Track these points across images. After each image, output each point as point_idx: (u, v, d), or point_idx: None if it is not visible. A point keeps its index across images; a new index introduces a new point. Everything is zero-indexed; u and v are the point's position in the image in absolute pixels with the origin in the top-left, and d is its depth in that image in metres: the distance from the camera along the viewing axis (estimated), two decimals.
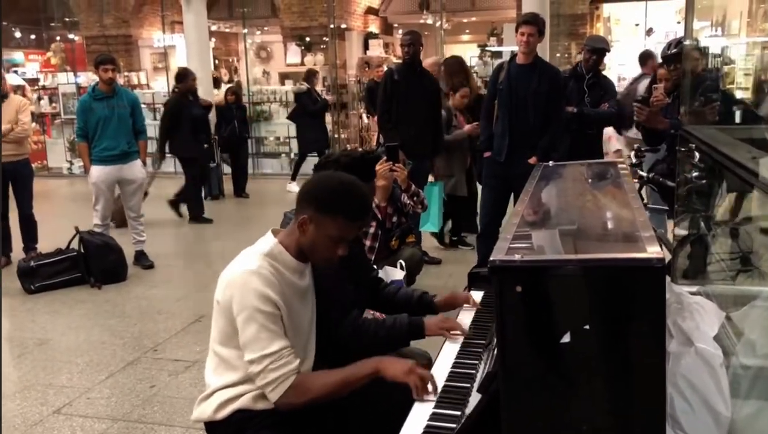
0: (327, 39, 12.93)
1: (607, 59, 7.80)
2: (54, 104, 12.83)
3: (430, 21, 14.31)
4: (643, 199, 4.91)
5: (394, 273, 4.45)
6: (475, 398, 1.81)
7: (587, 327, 1.38)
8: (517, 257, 1.41)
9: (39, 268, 5.52)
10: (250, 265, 1.91)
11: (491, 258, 1.42)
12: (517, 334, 1.43)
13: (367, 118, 10.09)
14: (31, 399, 3.66)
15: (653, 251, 1.37)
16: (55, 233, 6.19)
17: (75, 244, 5.69)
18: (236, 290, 1.88)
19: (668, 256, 4.50)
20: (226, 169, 10.08)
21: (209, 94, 10.16)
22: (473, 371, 1.99)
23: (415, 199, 4.53)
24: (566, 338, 1.39)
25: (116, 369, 4.01)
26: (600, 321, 1.38)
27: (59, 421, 3.41)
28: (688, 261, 4.27)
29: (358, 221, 1.98)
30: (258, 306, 1.85)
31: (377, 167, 4.25)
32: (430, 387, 1.90)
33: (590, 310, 1.39)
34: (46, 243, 6.13)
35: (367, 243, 4.56)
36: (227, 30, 16.78)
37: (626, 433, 1.41)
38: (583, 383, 1.41)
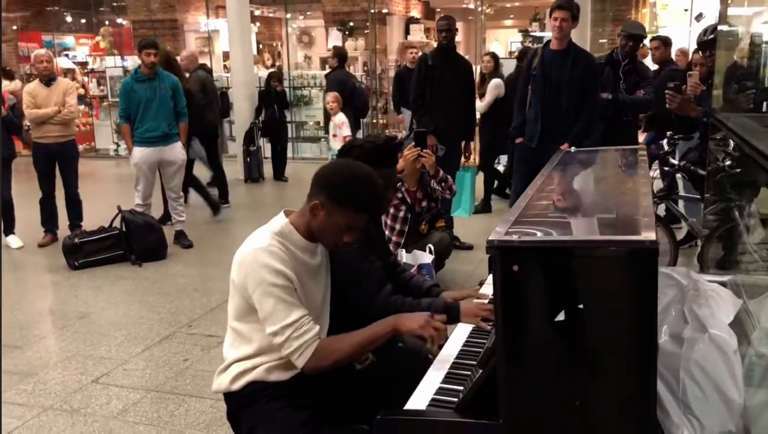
0: (368, 24, 12.97)
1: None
2: (102, 87, 13.16)
3: (471, 6, 14.20)
4: (676, 188, 4.89)
5: (423, 257, 4.51)
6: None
7: (581, 306, 1.43)
8: (514, 238, 1.46)
9: (83, 245, 5.74)
10: (260, 243, 1.99)
11: (490, 238, 1.47)
12: (514, 312, 1.48)
13: (394, 109, 9.76)
14: (72, 368, 3.84)
15: (647, 234, 1.40)
16: (100, 212, 6.40)
17: (117, 223, 5.89)
18: (248, 268, 1.97)
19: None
20: (266, 152, 10.23)
21: (251, 77, 10.30)
22: (481, 350, 2.05)
23: (443, 184, 4.58)
24: (561, 316, 1.44)
25: (152, 342, 4.17)
26: (594, 301, 1.43)
27: (97, 390, 3.58)
28: (721, 251, 4.23)
29: (369, 213, 2.04)
30: (272, 280, 1.93)
31: (405, 152, 4.31)
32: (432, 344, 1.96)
33: (584, 290, 1.43)
34: (90, 221, 6.36)
35: (397, 226, 4.64)
36: (271, 15, 16.95)
37: (617, 409, 1.46)
38: (576, 360, 1.46)
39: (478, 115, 7.59)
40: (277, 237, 2.01)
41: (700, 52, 5.35)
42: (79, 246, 5.72)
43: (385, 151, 2.58)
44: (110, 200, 6.23)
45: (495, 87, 7.34)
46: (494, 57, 7.89)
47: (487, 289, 2.58)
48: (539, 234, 1.56)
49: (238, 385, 2.06)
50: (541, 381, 1.49)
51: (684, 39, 11.88)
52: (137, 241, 5.84)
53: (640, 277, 1.38)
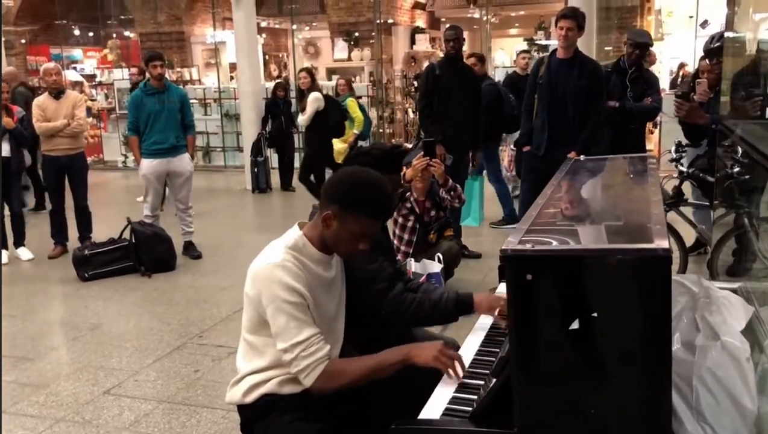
0: (374, 34, 13.03)
1: (658, 53, 7.67)
2: (110, 99, 13.24)
3: (477, 15, 14.25)
4: (683, 195, 4.88)
5: (432, 266, 4.52)
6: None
7: (595, 314, 1.43)
8: (528, 246, 1.47)
9: (93, 257, 5.77)
10: (275, 258, 1.99)
11: (503, 247, 1.48)
12: (528, 321, 1.49)
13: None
14: (83, 379, 3.86)
15: (660, 242, 1.41)
16: (109, 223, 6.45)
17: (127, 234, 5.92)
18: (263, 283, 1.98)
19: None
20: (273, 163, 10.26)
21: (259, 89, 10.36)
22: (494, 359, 2.05)
23: (452, 193, 4.59)
24: (575, 325, 1.44)
25: (163, 353, 4.18)
26: (607, 310, 1.43)
27: (108, 401, 3.59)
28: (732, 258, 4.21)
29: (381, 219, 2.05)
30: (285, 297, 1.94)
31: (414, 162, 4.33)
32: (459, 369, 1.96)
33: (598, 299, 1.44)
34: (100, 233, 6.39)
35: (406, 236, 4.65)
36: (276, 26, 17.06)
37: (633, 418, 1.46)
38: (590, 369, 1.47)
39: (302, 129, 7.94)
40: (292, 252, 2.02)
41: (707, 60, 5.37)
42: (89, 258, 5.75)
43: (390, 158, 2.61)
44: (119, 211, 6.27)
45: (314, 100, 7.48)
46: (309, 72, 8.36)
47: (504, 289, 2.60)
48: (553, 243, 1.57)
49: (251, 398, 2.07)
50: (555, 390, 1.49)
51: (689, 46, 11.88)
52: (146, 252, 5.87)
53: (654, 285, 1.39)
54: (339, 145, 8.42)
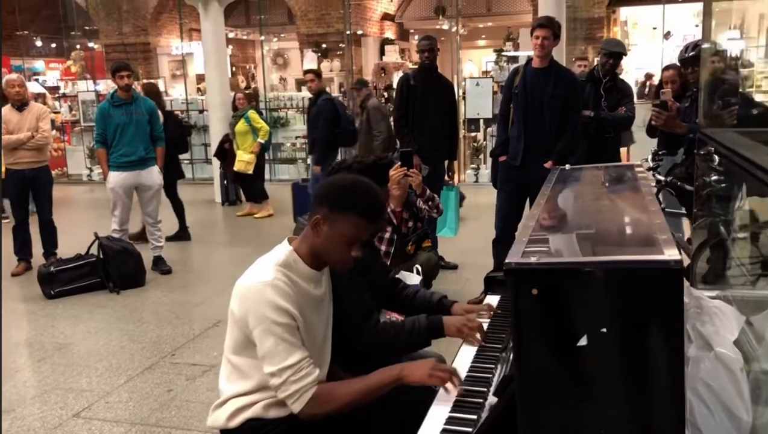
0: (343, 45, 12.98)
1: (625, 63, 7.77)
2: (74, 111, 12.98)
3: (446, 26, 14.32)
4: (660, 203, 4.90)
5: (411, 278, 4.44)
6: (491, 402, 1.81)
7: (604, 330, 1.37)
8: (533, 259, 1.41)
9: (59, 274, 5.59)
10: (264, 277, 1.89)
11: (507, 261, 1.41)
12: (533, 338, 1.42)
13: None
14: (51, 402, 3.69)
15: (671, 253, 1.36)
16: (75, 239, 6.25)
17: (94, 250, 5.74)
18: (251, 303, 1.87)
19: (686, 260, 4.45)
20: None
21: (227, 99, 10.23)
22: (489, 375, 1.98)
23: (430, 203, 4.53)
24: (583, 341, 1.38)
25: (135, 373, 4.04)
26: (617, 325, 1.37)
27: (78, 425, 3.44)
28: (708, 266, 4.23)
29: (373, 220, 1.95)
30: (274, 318, 1.84)
31: (391, 172, 4.25)
32: (452, 387, 1.89)
33: (607, 313, 1.38)
34: (66, 248, 6.20)
35: (383, 248, 4.56)
36: (244, 37, 16.94)
37: None
38: (601, 387, 1.40)
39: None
40: (282, 270, 1.92)
41: (671, 69, 5.43)
42: (54, 275, 5.57)
43: (374, 171, 2.53)
44: (85, 226, 6.10)
45: None
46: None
47: (492, 301, 2.56)
48: (558, 255, 1.51)
49: (235, 422, 1.97)
50: (563, 409, 1.42)
51: (656, 56, 12.09)
52: (115, 268, 5.71)
53: (666, 298, 1.33)
54: (245, 156, 8.43)
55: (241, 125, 8.47)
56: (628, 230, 1.74)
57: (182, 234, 7.44)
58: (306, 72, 8.17)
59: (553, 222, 1.83)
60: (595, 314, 1.38)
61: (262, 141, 8.44)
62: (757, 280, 3.79)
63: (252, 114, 8.50)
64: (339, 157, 7.94)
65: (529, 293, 1.38)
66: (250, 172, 8.47)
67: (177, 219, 7.43)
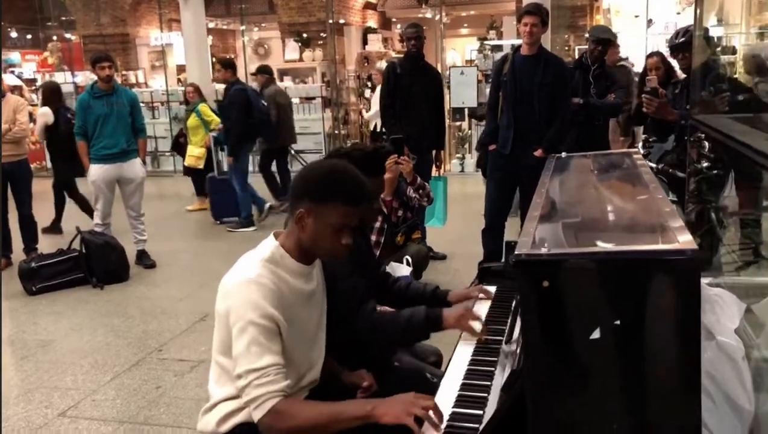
0: (325, 34, 12.85)
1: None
2: None
3: (429, 15, 14.22)
4: None
5: (401, 270, 4.39)
6: (494, 397, 1.76)
7: (618, 322, 1.32)
8: (543, 251, 1.35)
9: (40, 269, 5.47)
10: (249, 274, 1.81)
11: (516, 252, 1.36)
12: (543, 332, 1.37)
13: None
14: (36, 402, 3.60)
15: (685, 241, 1.31)
16: (56, 234, 6.13)
17: (76, 244, 5.63)
18: (233, 300, 1.79)
19: None
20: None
21: (209, 91, 10.10)
22: (492, 368, 1.93)
23: (420, 191, 4.48)
24: (596, 334, 1.33)
25: (121, 370, 3.95)
26: (631, 316, 1.32)
27: (64, 424, 3.36)
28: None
29: (358, 204, 1.86)
30: (252, 318, 1.75)
31: None
32: (434, 421, 1.69)
33: (621, 305, 1.33)
34: (47, 243, 6.07)
35: (373, 238, 4.50)
36: (225, 27, 16.71)
37: (660, 432, 1.36)
38: (613, 381, 1.36)
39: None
40: (268, 266, 1.84)
41: (654, 57, 5.41)
42: (36, 271, 5.45)
43: (374, 159, 2.46)
44: (66, 221, 5.96)
45: (41, 115, 7.09)
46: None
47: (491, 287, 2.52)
48: (568, 246, 1.46)
49: (225, 427, 1.88)
50: (574, 404, 1.37)
51: (640, 43, 12.11)
52: (98, 263, 5.60)
53: (682, 289, 1.29)
54: (195, 151, 8.32)
55: (192, 119, 8.36)
56: (639, 219, 1.69)
57: (54, 228, 7.29)
58: (216, 62, 8.14)
59: (560, 212, 1.77)
60: (608, 306, 1.33)
61: (215, 134, 8.23)
62: (748, 266, 3.79)
63: (203, 107, 8.38)
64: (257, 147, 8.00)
65: (539, 285, 1.33)
66: (201, 166, 8.32)
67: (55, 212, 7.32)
